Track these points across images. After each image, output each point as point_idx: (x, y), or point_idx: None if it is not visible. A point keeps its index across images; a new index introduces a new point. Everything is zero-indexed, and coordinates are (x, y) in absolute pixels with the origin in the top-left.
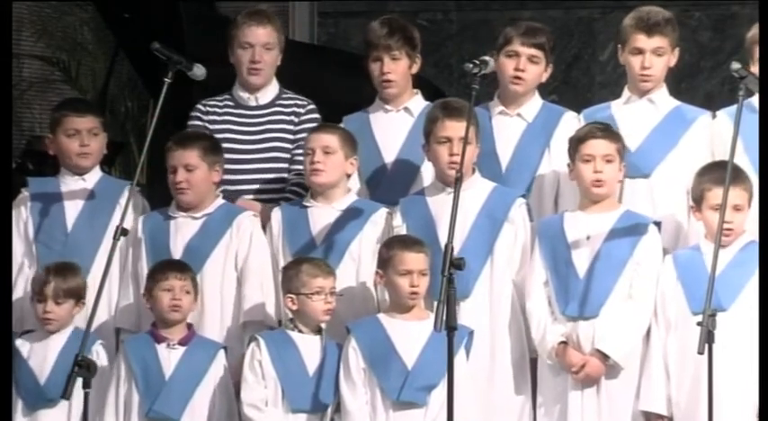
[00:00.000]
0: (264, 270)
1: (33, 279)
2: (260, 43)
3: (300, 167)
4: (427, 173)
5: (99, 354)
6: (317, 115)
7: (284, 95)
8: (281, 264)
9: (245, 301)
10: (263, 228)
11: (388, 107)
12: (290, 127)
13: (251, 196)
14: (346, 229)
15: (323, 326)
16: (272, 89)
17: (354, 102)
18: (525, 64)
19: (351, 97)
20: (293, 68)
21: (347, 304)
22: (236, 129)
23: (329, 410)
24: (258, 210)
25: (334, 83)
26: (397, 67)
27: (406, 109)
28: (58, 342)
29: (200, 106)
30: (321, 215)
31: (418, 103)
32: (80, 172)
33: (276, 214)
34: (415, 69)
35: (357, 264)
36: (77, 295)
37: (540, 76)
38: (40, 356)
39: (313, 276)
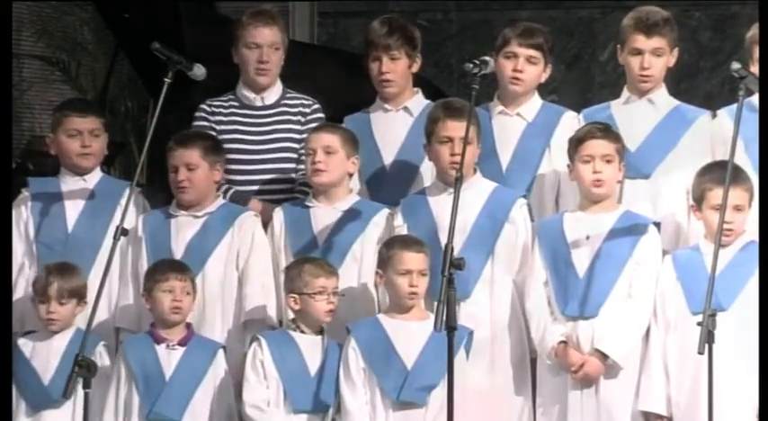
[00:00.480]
0: (266, 269)
1: (35, 280)
2: (267, 43)
3: None
4: (427, 172)
5: (102, 356)
6: (322, 114)
7: (288, 95)
8: (283, 263)
9: (247, 301)
10: (265, 227)
11: (387, 106)
12: (297, 127)
13: (259, 196)
14: (348, 230)
15: (324, 326)
16: (277, 89)
17: (357, 102)
18: (523, 65)
19: (353, 97)
20: (295, 68)
21: (349, 305)
22: (243, 130)
23: (330, 411)
24: (259, 211)
25: (338, 83)
26: (395, 67)
27: (406, 108)
28: (61, 342)
29: (204, 107)
30: (323, 215)
31: (418, 102)
32: (81, 172)
33: (278, 214)
34: (415, 69)
35: (359, 264)
36: (80, 295)
37: (538, 76)
38: (44, 357)
39: (315, 276)
